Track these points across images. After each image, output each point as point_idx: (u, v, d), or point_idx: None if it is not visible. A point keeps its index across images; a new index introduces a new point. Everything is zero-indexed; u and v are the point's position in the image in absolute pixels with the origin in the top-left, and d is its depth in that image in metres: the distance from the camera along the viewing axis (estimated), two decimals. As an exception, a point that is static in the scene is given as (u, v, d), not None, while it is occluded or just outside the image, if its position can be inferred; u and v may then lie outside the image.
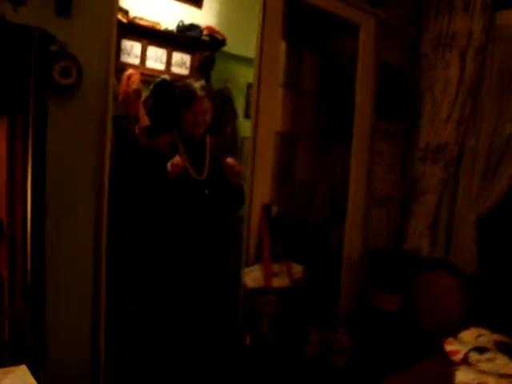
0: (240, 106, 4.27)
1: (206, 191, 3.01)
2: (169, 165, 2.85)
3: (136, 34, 3.68)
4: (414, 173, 3.86)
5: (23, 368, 1.57)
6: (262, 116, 2.98)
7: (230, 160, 2.95)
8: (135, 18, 3.64)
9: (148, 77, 3.75)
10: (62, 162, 2.25)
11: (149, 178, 2.95)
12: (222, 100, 4.14)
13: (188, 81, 3.10)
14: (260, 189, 3.02)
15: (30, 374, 1.54)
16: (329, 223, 3.52)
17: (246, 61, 3.97)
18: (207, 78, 3.98)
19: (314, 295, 3.44)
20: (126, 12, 3.57)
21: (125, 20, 3.55)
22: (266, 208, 3.01)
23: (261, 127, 2.98)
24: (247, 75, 3.97)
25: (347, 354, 3.45)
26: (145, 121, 3.60)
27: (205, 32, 3.95)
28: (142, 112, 3.59)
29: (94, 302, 2.42)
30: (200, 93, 2.95)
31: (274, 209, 3.00)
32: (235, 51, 4.18)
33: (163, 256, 3.04)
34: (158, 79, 3.70)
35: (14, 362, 1.65)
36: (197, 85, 2.99)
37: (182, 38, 3.86)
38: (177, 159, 2.86)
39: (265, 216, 3.01)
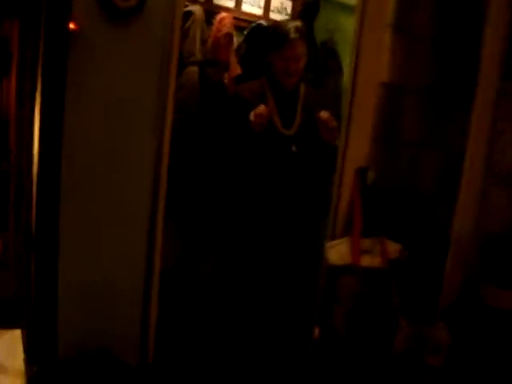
0: (348, 60, 3.73)
1: (294, 148, 2.59)
2: (251, 114, 2.44)
3: (231, -26, 3.28)
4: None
5: (16, 333, 1.25)
6: (363, 63, 2.48)
7: (323, 114, 2.50)
8: (231, -45, 3.23)
9: (243, 22, 3.34)
10: (115, 95, 1.92)
11: (229, 130, 2.57)
12: (327, 53, 3.64)
13: (281, 21, 2.67)
14: (355, 149, 2.52)
15: (20, 340, 1.20)
16: (436, 197, 2.94)
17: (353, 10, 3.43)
18: (310, 27, 3.49)
19: (410, 281, 2.91)
20: None
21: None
22: (361, 172, 2.51)
23: (361, 76, 2.48)
24: (356, 26, 3.43)
25: (444, 353, 2.89)
26: (236, 69, 3.21)
27: (309, -26, 3.46)
28: (233, 59, 3.21)
29: (146, 262, 2.09)
30: (293, 35, 2.51)
31: (371, 174, 2.49)
32: (343, -1, 3.64)
33: (242, 217, 2.68)
34: (254, 24, 3.28)
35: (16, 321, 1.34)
36: (290, 25, 2.54)
37: (283, -20, 3.40)
38: (261, 108, 2.45)
39: (359, 181, 2.51)
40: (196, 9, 3.03)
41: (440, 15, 2.70)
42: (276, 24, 2.69)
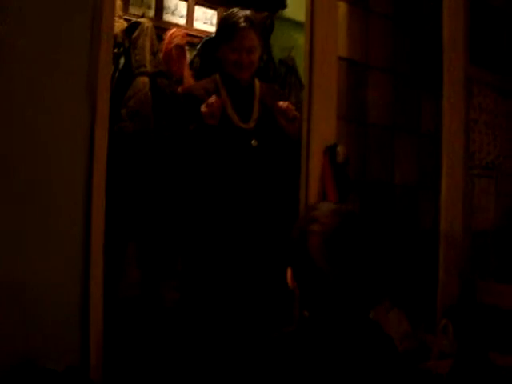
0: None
1: (253, 142, 2.33)
2: (203, 106, 2.21)
3: (180, -9, 3.18)
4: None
5: None
6: (318, 35, 2.28)
7: (282, 103, 2.27)
8: (179, -28, 3.14)
9: (195, 38, 3.19)
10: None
11: (180, 127, 2.31)
12: (286, 70, 3.50)
13: (231, 11, 2.49)
14: (321, 126, 2.27)
15: None
16: (416, 188, 2.66)
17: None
18: (266, 44, 3.36)
19: (402, 280, 2.57)
20: (168, -36, 3.08)
21: (166, -28, 3.05)
22: (330, 150, 2.24)
23: (318, 47, 2.28)
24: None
25: (451, 359, 2.49)
26: (190, 83, 3.00)
27: (261, -9, 3.38)
28: (186, 73, 3.01)
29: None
30: (243, 24, 2.32)
31: (341, 150, 2.23)
32: (297, 17, 3.55)
33: (202, 227, 2.35)
34: (207, 37, 3.13)
35: None
36: (240, 15, 2.37)
37: (235, -3, 3.29)
38: (212, 99, 2.21)
39: (329, 161, 2.23)
40: (144, 20, 2.88)
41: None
42: (225, 15, 2.52)
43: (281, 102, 2.29)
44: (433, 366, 2.39)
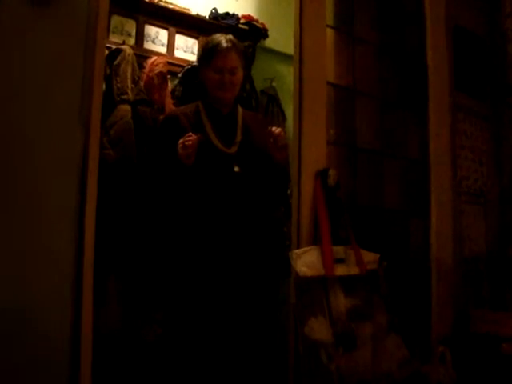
0: (288, 108, 3.73)
1: (236, 168, 2.38)
2: (179, 146, 2.24)
3: (162, 20, 3.30)
4: (514, 160, 3.14)
5: None
6: (307, 60, 2.42)
7: (275, 128, 2.34)
8: (160, 0, 3.28)
9: (176, 67, 3.31)
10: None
11: (160, 154, 2.37)
12: (268, 100, 3.64)
13: (213, 35, 2.59)
14: (311, 151, 2.38)
15: None
16: (405, 214, 2.77)
17: (292, 59, 3.50)
18: (248, 74, 3.50)
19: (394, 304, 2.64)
20: (149, -8, 3.22)
21: (147, -1, 3.18)
22: (322, 174, 2.35)
23: (307, 73, 2.41)
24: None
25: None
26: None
27: (242, 20, 3.54)
28: (168, 101, 3.12)
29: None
30: (225, 45, 2.42)
31: (332, 173, 2.34)
32: (279, 47, 3.72)
33: (183, 259, 2.38)
34: (188, 66, 3.25)
35: None
36: (222, 37, 2.47)
37: (216, 26, 3.44)
38: (189, 138, 2.24)
39: (320, 184, 2.33)
40: (125, 47, 2.99)
41: (379, 21, 2.75)
42: (207, 39, 2.62)
43: (274, 127, 2.36)
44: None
